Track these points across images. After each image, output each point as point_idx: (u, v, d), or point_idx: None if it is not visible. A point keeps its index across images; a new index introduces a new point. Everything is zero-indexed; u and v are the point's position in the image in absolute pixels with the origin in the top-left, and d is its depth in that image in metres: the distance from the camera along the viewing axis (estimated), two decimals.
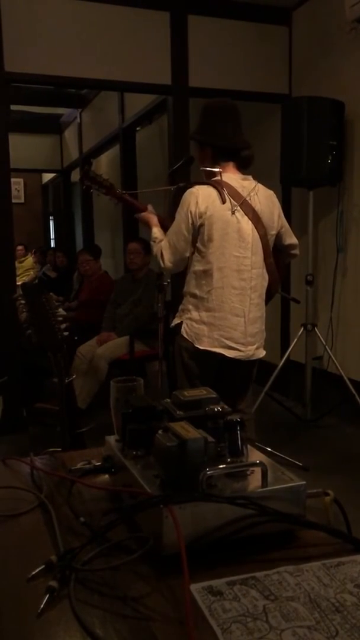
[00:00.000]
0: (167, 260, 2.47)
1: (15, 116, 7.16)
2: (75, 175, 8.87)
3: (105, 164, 7.65)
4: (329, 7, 4.07)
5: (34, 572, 0.81)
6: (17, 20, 3.82)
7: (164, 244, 2.48)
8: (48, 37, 3.91)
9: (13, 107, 6.77)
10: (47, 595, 0.75)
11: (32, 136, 8.81)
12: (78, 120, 7.90)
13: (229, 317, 2.42)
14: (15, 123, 6.87)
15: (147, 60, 4.16)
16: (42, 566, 0.82)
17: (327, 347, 3.94)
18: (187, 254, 2.47)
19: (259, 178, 2.56)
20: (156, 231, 2.60)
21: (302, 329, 3.98)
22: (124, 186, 6.02)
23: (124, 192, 2.81)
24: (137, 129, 6.16)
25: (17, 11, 3.82)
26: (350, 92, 3.90)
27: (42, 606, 0.74)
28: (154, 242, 2.56)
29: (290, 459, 3.14)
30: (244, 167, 2.51)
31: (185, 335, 2.47)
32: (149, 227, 2.65)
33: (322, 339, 3.96)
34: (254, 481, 0.93)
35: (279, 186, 4.28)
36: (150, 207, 2.73)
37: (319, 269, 4.28)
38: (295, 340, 3.98)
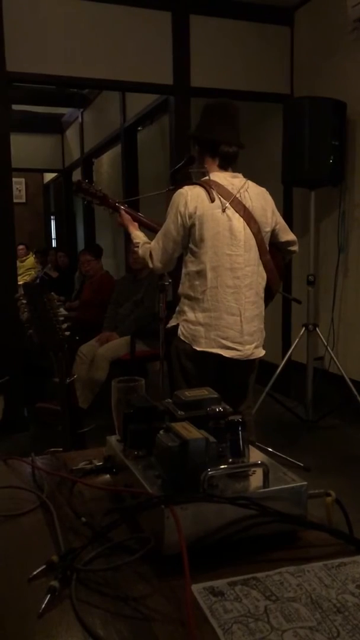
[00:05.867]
0: (157, 260, 2.48)
1: (17, 116, 7.17)
2: (77, 176, 8.87)
3: (107, 164, 7.65)
4: (330, 7, 4.07)
5: (35, 572, 0.81)
6: (19, 20, 3.82)
7: (153, 245, 2.49)
8: (50, 37, 3.91)
9: (15, 107, 6.79)
10: (49, 596, 0.75)
11: (34, 136, 8.81)
12: (80, 120, 7.90)
13: (225, 316, 2.41)
14: (16, 123, 6.89)
15: (149, 60, 4.16)
16: (44, 566, 0.82)
17: (328, 347, 3.94)
18: (176, 255, 2.49)
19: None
20: (136, 235, 2.61)
21: (303, 329, 3.98)
22: (125, 186, 6.03)
23: (117, 201, 2.80)
24: (139, 128, 6.16)
25: (19, 11, 3.82)
26: (352, 92, 3.90)
27: (43, 606, 0.74)
28: (137, 246, 2.57)
29: (291, 460, 3.14)
30: (226, 164, 2.48)
31: (182, 338, 2.46)
32: (128, 232, 2.66)
33: (323, 339, 3.96)
34: (256, 482, 0.93)
35: (280, 186, 4.28)
36: (123, 208, 2.72)
37: (321, 269, 4.28)
38: (297, 340, 3.97)
